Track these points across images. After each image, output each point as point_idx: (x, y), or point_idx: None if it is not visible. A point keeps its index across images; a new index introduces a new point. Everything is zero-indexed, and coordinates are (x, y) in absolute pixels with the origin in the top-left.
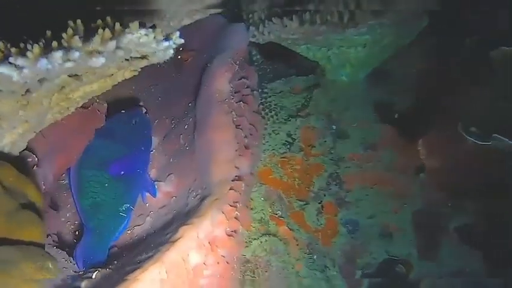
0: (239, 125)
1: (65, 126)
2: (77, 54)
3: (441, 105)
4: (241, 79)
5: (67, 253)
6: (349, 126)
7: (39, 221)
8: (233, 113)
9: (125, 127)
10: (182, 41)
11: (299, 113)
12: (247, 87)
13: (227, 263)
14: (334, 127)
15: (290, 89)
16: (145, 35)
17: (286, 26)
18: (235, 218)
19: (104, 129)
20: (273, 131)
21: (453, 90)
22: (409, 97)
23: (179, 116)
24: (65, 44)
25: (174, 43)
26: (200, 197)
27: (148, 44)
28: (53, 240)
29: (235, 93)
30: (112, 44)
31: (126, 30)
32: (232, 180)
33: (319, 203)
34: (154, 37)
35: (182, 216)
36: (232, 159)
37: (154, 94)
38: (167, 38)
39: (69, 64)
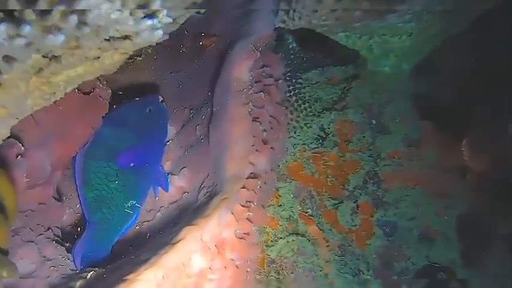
0: (257, 118)
1: (62, 112)
2: (27, 28)
3: (488, 102)
4: (263, 68)
5: (66, 249)
6: (391, 121)
7: (1, 222)
8: (251, 104)
9: (138, 115)
10: (170, 20)
11: (335, 106)
12: (270, 77)
13: (237, 267)
14: (374, 122)
15: (326, 80)
16: (118, 10)
17: (316, 10)
18: (247, 219)
19: (115, 116)
20: (305, 124)
21: (501, 86)
22: (454, 92)
23: (198, 105)
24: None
25: (159, 22)
26: (210, 194)
27: (125, 22)
28: (54, 234)
29: (255, 82)
30: (73, 19)
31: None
32: (247, 178)
33: (354, 202)
34: (131, 13)
35: (190, 215)
36: (247, 155)
37: (174, 81)
38: (151, 16)
39: (20, 41)
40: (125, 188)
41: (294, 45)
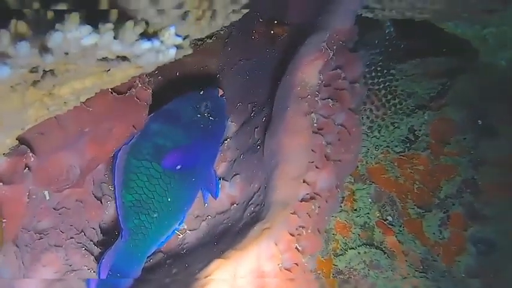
0: (321, 129)
1: (91, 113)
2: None
3: None
4: (336, 69)
5: (95, 258)
6: (501, 122)
7: None
8: (313, 114)
9: (192, 110)
10: (179, 40)
11: (431, 104)
12: (343, 79)
13: None
14: (479, 122)
15: (425, 72)
16: (94, 32)
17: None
18: (296, 248)
19: (166, 111)
20: (392, 123)
21: None
22: None
23: (261, 103)
24: None
25: (162, 43)
26: (256, 215)
27: (107, 47)
28: (87, 238)
29: (324, 87)
30: (23, 46)
31: (56, 25)
32: (301, 200)
33: (445, 212)
34: (116, 37)
35: (232, 236)
36: (301, 174)
37: (242, 70)
38: (151, 37)
39: None
40: (169, 192)
41: (391, 30)
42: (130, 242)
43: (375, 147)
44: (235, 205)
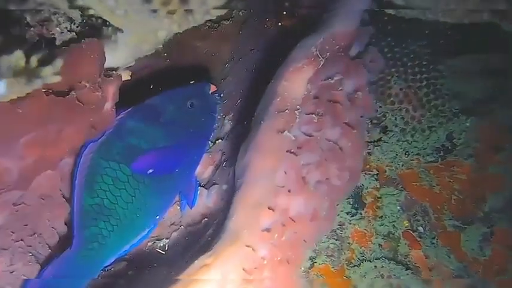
0: (300, 148)
1: (26, 117)
2: None
3: None
4: (327, 79)
5: (41, 266)
6: None
7: None
8: (292, 131)
9: (176, 107)
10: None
11: (481, 107)
12: (339, 90)
13: None
14: None
15: (480, 70)
16: None
17: None
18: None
19: (145, 106)
20: (429, 127)
21: None
22: None
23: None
24: None
25: None
26: (206, 243)
27: None
28: (41, 241)
29: (313, 98)
30: None
31: None
32: (265, 230)
33: (489, 227)
34: None
35: (188, 259)
36: (265, 200)
37: (249, 63)
38: None
39: None
40: (136, 198)
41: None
42: (83, 252)
43: (405, 153)
44: (205, 219)
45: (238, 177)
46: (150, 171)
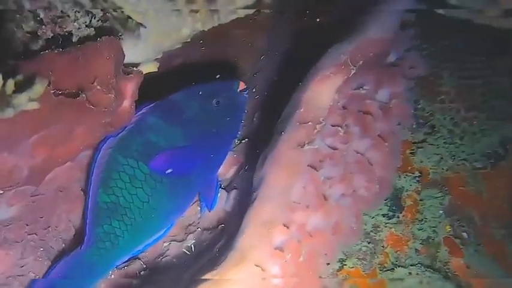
0: (322, 161)
1: (32, 115)
2: None
3: None
4: (358, 89)
5: (52, 263)
6: None
7: None
8: (313, 143)
9: (200, 104)
10: None
11: None
12: (370, 100)
13: None
14: None
15: None
16: None
17: None
18: None
19: (168, 102)
20: (481, 129)
21: None
22: None
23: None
24: None
25: None
26: (215, 258)
27: None
28: (55, 234)
29: (341, 109)
30: None
31: None
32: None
33: None
34: None
35: (198, 271)
36: (278, 219)
37: (285, 57)
38: None
39: None
40: (153, 198)
41: None
42: (94, 251)
43: (451, 157)
44: (222, 225)
45: (254, 189)
46: (168, 170)
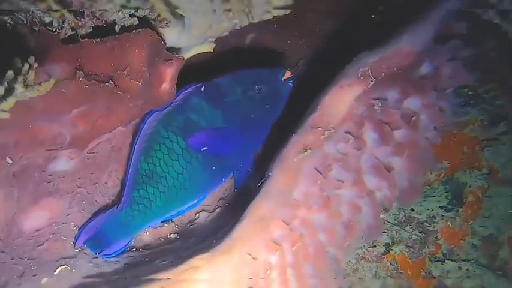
0: (330, 165)
1: (69, 95)
2: None
3: None
4: (380, 99)
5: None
6: None
7: None
8: (322, 148)
9: (242, 90)
10: None
11: None
12: (391, 110)
13: None
14: None
15: None
16: None
17: None
18: None
19: (213, 85)
20: None
21: None
22: None
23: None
24: None
25: None
26: (215, 242)
27: None
28: (89, 193)
29: (359, 117)
30: None
31: None
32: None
33: None
34: None
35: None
36: (274, 215)
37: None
38: None
39: None
40: (187, 171)
41: None
42: (128, 211)
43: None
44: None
45: (262, 184)
46: (204, 148)
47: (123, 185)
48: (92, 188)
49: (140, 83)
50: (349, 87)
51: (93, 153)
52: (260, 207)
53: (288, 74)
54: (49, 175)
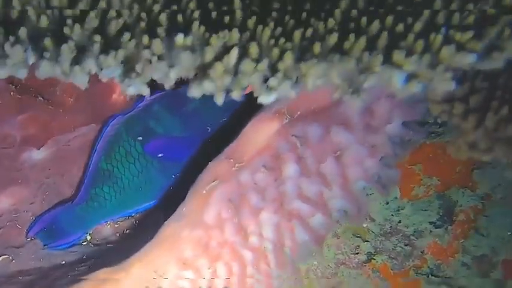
0: (243, 193)
1: None
2: None
3: None
4: (298, 136)
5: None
6: None
7: None
8: (233, 180)
9: (200, 99)
10: None
11: None
12: (314, 143)
13: None
14: None
15: None
16: None
17: None
18: None
19: (176, 93)
20: None
21: None
22: None
23: None
24: None
25: None
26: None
27: None
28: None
29: (274, 151)
30: None
31: None
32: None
33: None
34: None
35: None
36: (182, 236)
37: None
38: None
39: None
40: (143, 175)
41: None
42: (84, 207)
43: None
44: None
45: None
46: (160, 155)
47: (81, 181)
48: (60, 179)
49: (71, 99)
50: (266, 120)
51: (68, 145)
52: (169, 227)
53: (248, 89)
54: (20, 164)
